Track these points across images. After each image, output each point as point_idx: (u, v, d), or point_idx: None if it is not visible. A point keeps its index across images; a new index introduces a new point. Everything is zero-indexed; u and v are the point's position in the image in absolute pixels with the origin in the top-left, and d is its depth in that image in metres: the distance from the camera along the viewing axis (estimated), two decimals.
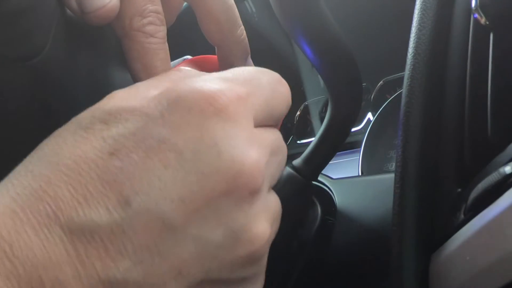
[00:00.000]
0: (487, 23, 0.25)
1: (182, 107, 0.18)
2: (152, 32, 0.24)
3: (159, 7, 0.24)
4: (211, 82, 0.19)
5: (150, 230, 0.17)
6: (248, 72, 0.21)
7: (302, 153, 0.40)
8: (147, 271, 0.17)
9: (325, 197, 0.42)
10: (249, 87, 0.20)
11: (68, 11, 0.23)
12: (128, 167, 0.17)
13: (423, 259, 0.26)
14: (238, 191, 0.18)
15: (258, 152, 0.19)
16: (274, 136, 0.22)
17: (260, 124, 0.21)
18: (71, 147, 0.18)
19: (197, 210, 0.17)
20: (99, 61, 0.26)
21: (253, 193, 0.19)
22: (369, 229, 0.38)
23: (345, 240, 0.40)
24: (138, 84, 0.21)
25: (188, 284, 0.18)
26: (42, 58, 0.21)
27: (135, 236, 0.17)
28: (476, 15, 0.25)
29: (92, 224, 0.17)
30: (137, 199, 0.17)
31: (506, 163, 0.21)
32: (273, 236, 0.21)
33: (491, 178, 0.21)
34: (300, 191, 0.39)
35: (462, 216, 0.24)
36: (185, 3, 0.30)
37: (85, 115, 0.19)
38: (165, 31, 0.25)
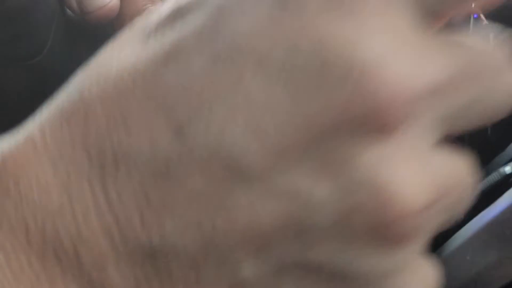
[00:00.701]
0: (487, 23, 0.25)
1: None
2: None
3: None
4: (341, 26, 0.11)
5: (213, 173, 0.11)
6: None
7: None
8: (205, 240, 0.11)
9: None
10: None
11: (68, 11, 0.23)
12: (185, 80, 0.11)
13: None
14: (359, 117, 0.10)
15: (414, 57, 0.11)
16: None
17: None
18: (119, 52, 0.13)
19: (286, 150, 0.11)
20: None
21: (389, 127, 0.10)
22: None
23: None
24: None
25: (270, 267, 0.12)
26: (42, 58, 0.21)
27: (191, 180, 0.11)
28: (476, 15, 0.25)
29: (132, 157, 0.11)
30: (193, 127, 0.11)
31: (506, 163, 0.21)
32: (427, 217, 0.11)
33: (491, 178, 0.21)
34: None
35: (462, 216, 0.24)
36: None
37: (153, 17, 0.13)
38: None
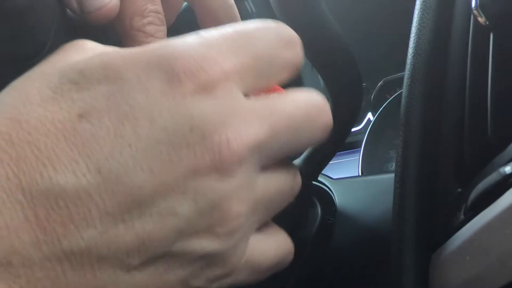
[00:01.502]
0: (487, 23, 0.25)
1: (160, 76, 0.17)
2: (153, 32, 0.24)
3: (159, 7, 0.24)
4: (192, 47, 0.18)
5: (118, 199, 0.16)
6: (242, 34, 0.19)
7: (302, 153, 0.40)
8: (111, 241, 0.16)
9: (325, 197, 0.42)
10: (238, 53, 0.19)
11: (68, 11, 0.23)
12: (99, 131, 0.16)
13: (423, 259, 0.26)
14: (207, 168, 0.17)
15: (240, 126, 0.18)
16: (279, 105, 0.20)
17: (251, 90, 0.19)
18: (36, 106, 0.17)
19: (165, 182, 0.17)
20: None
21: (224, 172, 0.18)
22: (369, 229, 0.38)
23: (345, 240, 0.40)
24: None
25: (151, 255, 0.18)
26: (42, 58, 0.21)
27: (102, 204, 0.16)
28: (476, 15, 0.25)
29: (57, 189, 0.16)
30: (107, 165, 0.16)
31: (506, 163, 0.21)
32: (254, 221, 0.20)
33: (491, 178, 0.21)
34: (300, 191, 0.39)
35: (462, 216, 0.24)
36: (185, 3, 0.30)
37: (53, 72, 0.18)
38: (165, 31, 0.25)
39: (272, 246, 0.22)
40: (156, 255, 0.18)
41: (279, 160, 0.21)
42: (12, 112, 0.17)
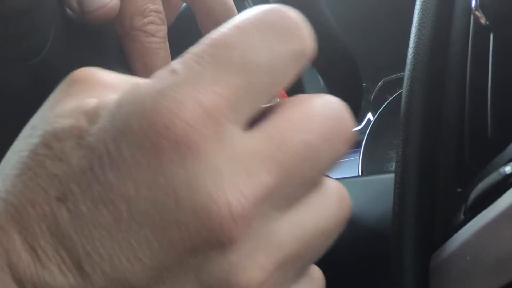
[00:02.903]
0: (487, 23, 0.25)
1: (131, 143, 0.14)
2: (153, 32, 0.24)
3: (159, 7, 0.24)
4: (164, 96, 0.14)
5: None
6: (218, 48, 0.15)
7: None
8: None
9: None
10: (226, 80, 0.14)
11: (68, 11, 0.23)
12: (77, 220, 0.14)
13: (423, 259, 0.26)
14: (206, 244, 0.14)
15: (241, 180, 0.14)
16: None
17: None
18: (17, 179, 0.15)
19: (159, 268, 0.14)
20: (100, 61, 0.26)
21: (229, 243, 0.14)
22: (369, 229, 0.38)
23: (345, 240, 0.39)
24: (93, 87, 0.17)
25: None
26: (42, 58, 0.21)
27: None
28: (476, 15, 0.25)
29: (45, 286, 0.14)
30: (89, 261, 0.14)
31: (506, 163, 0.21)
32: (278, 277, 0.15)
33: (491, 178, 0.21)
34: None
35: (462, 216, 0.24)
36: (184, 3, 0.30)
37: (37, 125, 0.16)
38: (166, 31, 0.25)
39: None
40: None
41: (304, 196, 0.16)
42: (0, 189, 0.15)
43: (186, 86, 0.14)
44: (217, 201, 0.14)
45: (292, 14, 0.16)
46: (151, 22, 0.23)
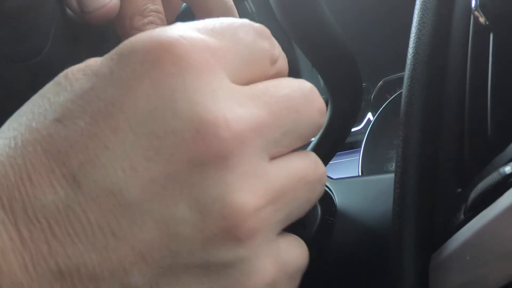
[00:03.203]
0: (487, 23, 0.25)
1: (134, 60, 0.15)
2: None
3: (159, 7, 0.24)
4: (173, 29, 0.16)
5: (101, 207, 0.14)
6: (220, 23, 0.18)
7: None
8: (102, 257, 0.14)
9: (325, 197, 0.42)
10: (219, 37, 0.17)
11: (68, 11, 0.23)
12: (73, 135, 0.15)
13: (423, 259, 0.26)
14: (202, 155, 0.15)
15: (235, 106, 0.16)
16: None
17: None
18: (21, 114, 0.16)
19: (153, 181, 0.15)
20: None
21: (224, 158, 0.15)
22: (369, 229, 0.38)
23: (345, 240, 0.39)
24: None
25: (156, 271, 0.15)
26: (42, 58, 0.21)
27: (84, 215, 0.14)
28: (476, 15, 0.25)
29: (36, 203, 0.14)
30: (82, 171, 0.14)
31: (506, 163, 0.21)
32: (269, 212, 0.17)
33: (491, 178, 0.21)
34: None
35: (462, 216, 0.24)
36: (184, 3, 0.30)
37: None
38: None
39: (298, 252, 0.20)
40: (162, 270, 0.15)
41: (289, 150, 0.18)
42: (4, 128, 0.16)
43: (196, 30, 0.17)
44: (214, 112, 0.15)
45: (265, 28, 0.19)
46: (151, 22, 0.23)
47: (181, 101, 0.15)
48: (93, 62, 0.17)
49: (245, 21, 0.18)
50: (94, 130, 0.15)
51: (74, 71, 0.17)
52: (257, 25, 0.19)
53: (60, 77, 0.17)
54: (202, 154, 0.15)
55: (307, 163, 0.19)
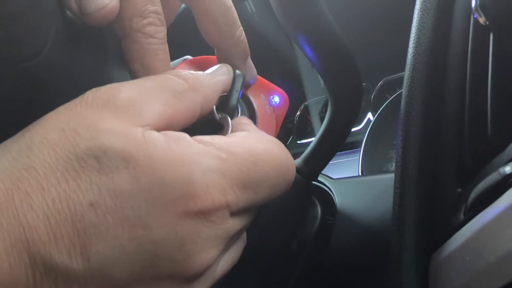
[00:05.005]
0: (487, 23, 0.25)
1: (165, 196, 0.19)
2: (152, 33, 0.24)
3: (159, 8, 0.24)
4: (203, 173, 0.20)
5: (98, 283, 0.19)
6: (250, 160, 0.22)
7: (302, 153, 0.40)
8: None
9: (325, 197, 0.42)
10: (244, 185, 0.22)
11: (67, 12, 0.23)
12: (100, 226, 0.18)
13: (423, 259, 0.26)
14: (179, 281, 0.20)
15: (214, 251, 0.21)
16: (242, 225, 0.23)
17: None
18: (60, 174, 0.19)
19: (141, 280, 0.19)
20: (99, 62, 0.26)
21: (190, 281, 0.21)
22: (369, 229, 0.38)
23: (345, 240, 0.39)
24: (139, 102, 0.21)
25: None
26: (42, 59, 0.21)
27: (83, 284, 0.18)
28: (476, 15, 0.25)
29: (52, 263, 0.18)
30: (96, 257, 0.18)
31: (506, 163, 0.21)
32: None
33: (491, 178, 0.21)
34: (300, 191, 0.39)
35: (462, 216, 0.24)
36: (183, 4, 0.30)
37: (82, 142, 0.19)
38: (165, 32, 0.25)
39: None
40: None
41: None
42: (38, 168, 0.19)
43: (224, 175, 0.21)
44: (201, 257, 0.21)
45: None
46: (150, 24, 0.23)
47: (188, 242, 0.20)
48: (135, 157, 0.19)
49: (271, 151, 0.24)
50: (118, 231, 0.19)
51: (114, 153, 0.19)
52: (283, 161, 0.25)
53: (100, 151, 0.19)
54: (181, 281, 0.21)
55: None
